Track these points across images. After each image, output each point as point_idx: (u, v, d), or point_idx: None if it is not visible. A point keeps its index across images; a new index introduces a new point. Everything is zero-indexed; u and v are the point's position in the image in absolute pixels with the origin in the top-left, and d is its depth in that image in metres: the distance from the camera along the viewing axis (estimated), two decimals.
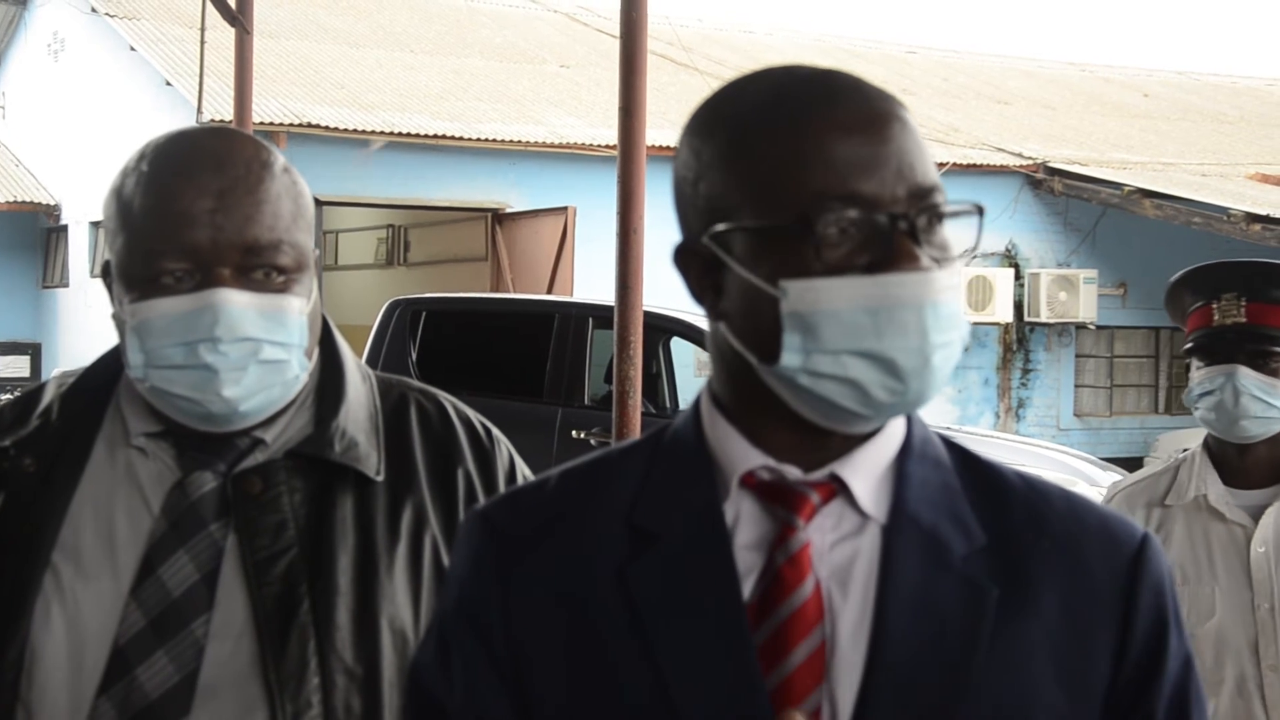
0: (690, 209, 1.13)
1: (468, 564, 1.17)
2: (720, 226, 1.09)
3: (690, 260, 1.13)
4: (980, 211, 1.11)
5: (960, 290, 1.10)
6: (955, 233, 1.12)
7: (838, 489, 1.12)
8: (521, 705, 1.12)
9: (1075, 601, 1.12)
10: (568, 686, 1.11)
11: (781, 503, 1.11)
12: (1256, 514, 2.43)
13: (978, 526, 1.13)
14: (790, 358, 1.07)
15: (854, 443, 1.12)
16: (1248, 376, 2.38)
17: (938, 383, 1.08)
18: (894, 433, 1.15)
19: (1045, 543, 1.13)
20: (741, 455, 1.12)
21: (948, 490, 1.14)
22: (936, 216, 1.08)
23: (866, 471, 1.13)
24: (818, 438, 1.11)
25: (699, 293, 1.14)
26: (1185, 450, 2.60)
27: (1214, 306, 2.43)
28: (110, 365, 1.57)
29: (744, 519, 1.12)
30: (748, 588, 1.10)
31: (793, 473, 1.11)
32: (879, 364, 1.06)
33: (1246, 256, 2.68)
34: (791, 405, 1.10)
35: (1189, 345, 2.48)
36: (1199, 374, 2.45)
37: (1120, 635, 1.12)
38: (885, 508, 1.12)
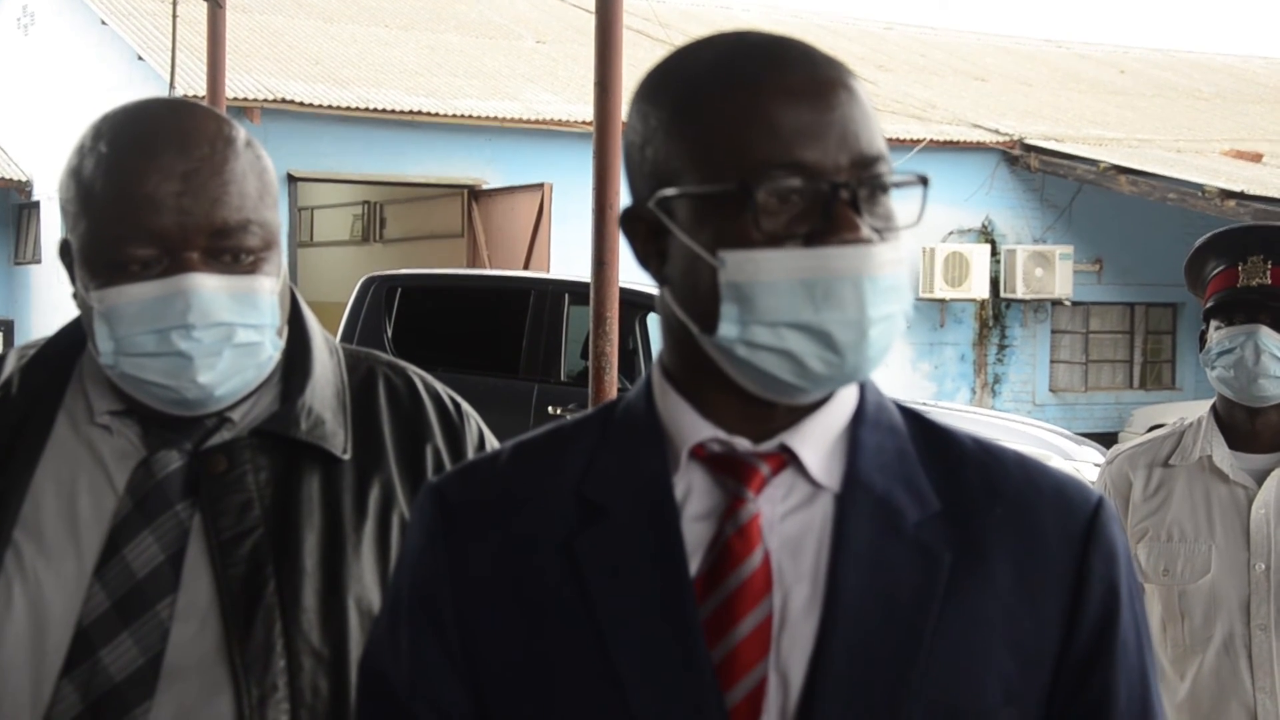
0: (637, 174, 1.12)
1: (419, 538, 1.16)
2: (665, 192, 1.08)
3: (636, 225, 1.13)
4: (924, 182, 1.09)
5: (903, 263, 1.09)
6: (903, 205, 1.10)
7: (788, 459, 1.11)
8: (472, 682, 1.11)
9: (1028, 568, 1.11)
10: (515, 660, 1.10)
11: (731, 474, 1.11)
12: (1260, 478, 2.46)
13: (932, 492, 1.12)
14: (727, 328, 1.06)
15: (803, 412, 1.12)
16: (1270, 336, 2.41)
17: (875, 355, 1.07)
18: (845, 400, 1.14)
19: (999, 509, 1.12)
20: (691, 427, 1.11)
21: (902, 456, 1.14)
22: (880, 187, 1.07)
23: (817, 440, 1.12)
24: (763, 408, 1.11)
25: (644, 258, 1.13)
26: (1184, 419, 2.62)
27: (1239, 268, 2.45)
28: (71, 337, 1.54)
29: (694, 492, 1.11)
30: (696, 561, 1.09)
31: (742, 444, 1.11)
32: (815, 337, 1.05)
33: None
34: (730, 375, 1.09)
35: (1210, 305, 2.50)
36: (1219, 334, 2.47)
37: (1071, 602, 1.12)
38: (838, 476, 1.12)
